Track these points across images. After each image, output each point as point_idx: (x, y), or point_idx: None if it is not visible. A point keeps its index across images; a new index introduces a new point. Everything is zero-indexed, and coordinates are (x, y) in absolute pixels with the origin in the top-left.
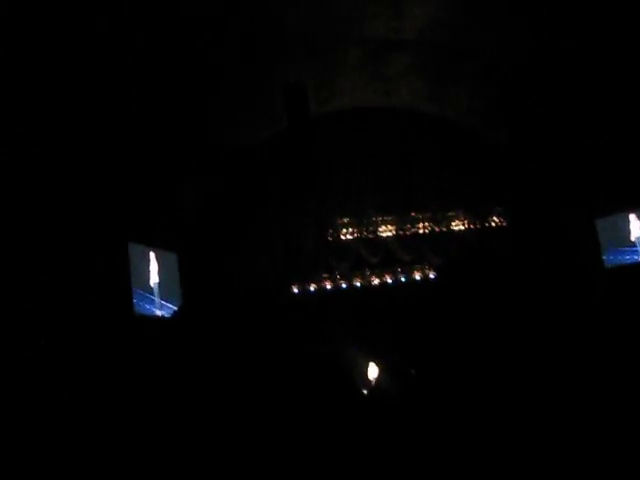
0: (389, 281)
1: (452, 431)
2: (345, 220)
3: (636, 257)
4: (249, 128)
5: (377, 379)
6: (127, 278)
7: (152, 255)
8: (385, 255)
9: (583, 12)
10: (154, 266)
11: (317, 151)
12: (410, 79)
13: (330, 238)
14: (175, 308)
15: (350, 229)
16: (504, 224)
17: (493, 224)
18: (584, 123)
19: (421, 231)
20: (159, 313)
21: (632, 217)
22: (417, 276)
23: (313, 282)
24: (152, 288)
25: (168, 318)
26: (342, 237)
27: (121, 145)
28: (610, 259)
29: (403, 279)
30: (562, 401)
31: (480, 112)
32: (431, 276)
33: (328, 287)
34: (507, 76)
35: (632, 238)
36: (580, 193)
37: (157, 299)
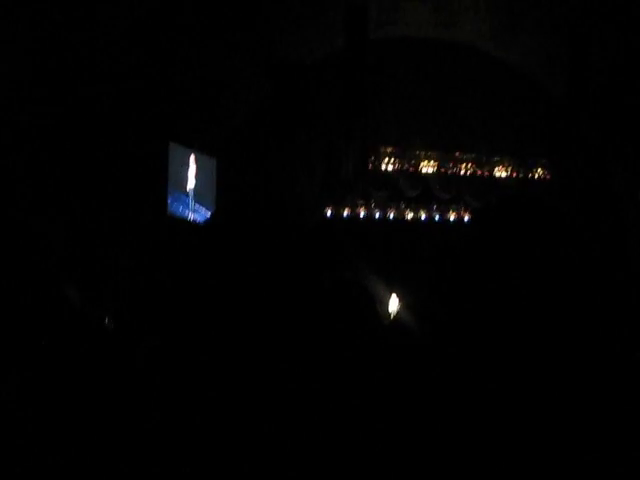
0: (423, 217)
1: (466, 384)
2: (388, 150)
3: None
4: (306, 44)
5: (397, 312)
6: (164, 178)
7: (192, 158)
8: (423, 191)
9: None
10: (192, 169)
11: (370, 76)
12: (475, 16)
13: (371, 166)
14: (208, 213)
15: (392, 159)
16: (548, 177)
17: (537, 176)
18: None
19: (463, 172)
20: (191, 216)
21: None
22: (452, 217)
23: (348, 207)
24: (188, 191)
25: (199, 224)
26: (383, 167)
27: (174, 41)
28: None
29: (437, 217)
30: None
31: (542, 61)
32: (466, 218)
33: (362, 214)
34: (576, 29)
35: None
36: (631, 157)
37: (192, 202)
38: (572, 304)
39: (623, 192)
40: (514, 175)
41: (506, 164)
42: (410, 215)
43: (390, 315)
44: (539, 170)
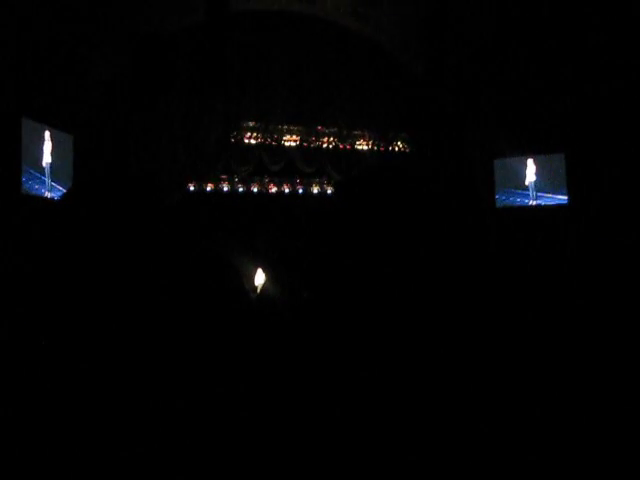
0: (286, 191)
1: (339, 354)
2: (250, 124)
3: (526, 200)
4: (166, 16)
5: (263, 285)
6: (17, 155)
7: (47, 134)
8: (286, 164)
9: None
10: (48, 146)
11: (231, 50)
12: None
13: (233, 140)
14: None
15: (254, 134)
16: (407, 150)
17: (397, 149)
18: (499, 64)
19: (325, 145)
20: (48, 195)
21: (529, 162)
22: (315, 190)
23: (210, 182)
24: (44, 168)
25: (54, 200)
26: (245, 141)
27: (29, 14)
28: (502, 199)
29: (301, 191)
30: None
31: (400, 36)
32: (329, 191)
33: (225, 189)
34: (433, 6)
35: (526, 182)
36: (484, 132)
37: (48, 180)
38: (431, 269)
39: (477, 162)
40: (375, 148)
41: (367, 138)
42: (274, 189)
43: (257, 289)
44: (399, 143)
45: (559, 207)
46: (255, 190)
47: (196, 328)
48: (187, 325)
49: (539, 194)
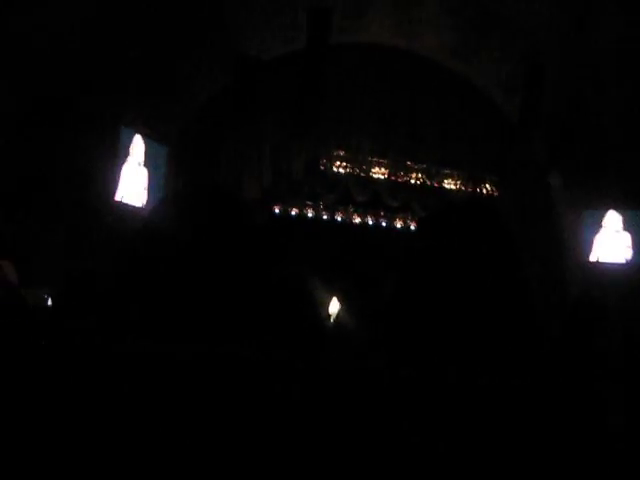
0: (370, 222)
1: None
2: (341, 153)
3: None
4: (266, 41)
5: (338, 314)
6: (114, 163)
7: (142, 144)
8: (372, 196)
9: None
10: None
11: (327, 79)
12: (439, 29)
13: (322, 167)
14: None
15: (344, 163)
16: (495, 194)
17: (485, 191)
18: (595, 115)
19: (413, 181)
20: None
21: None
22: (399, 224)
23: (296, 207)
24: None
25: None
26: (334, 169)
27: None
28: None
29: (384, 224)
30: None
31: (498, 81)
32: (412, 227)
33: (310, 215)
34: (533, 49)
35: None
36: (575, 184)
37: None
38: (509, 308)
39: (566, 214)
40: (462, 188)
41: (456, 177)
42: (357, 219)
43: (330, 317)
44: (487, 186)
45: None
46: (339, 219)
47: (270, 351)
48: (261, 347)
49: None
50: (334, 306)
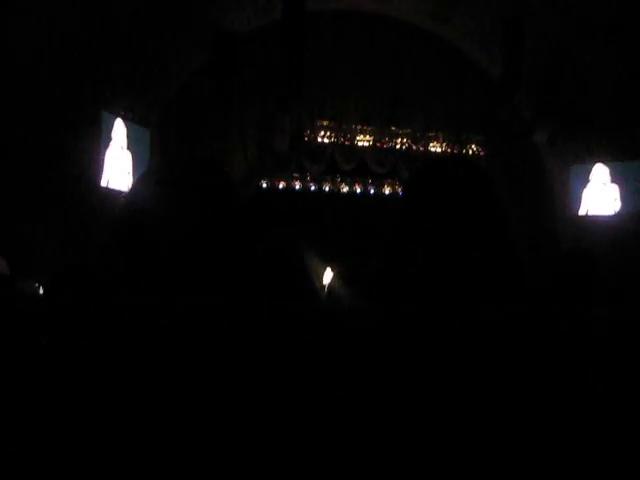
0: (358, 191)
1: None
2: (324, 123)
3: None
4: (242, 14)
5: (331, 283)
6: (97, 146)
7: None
8: (359, 164)
9: None
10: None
11: (306, 49)
12: None
13: (306, 139)
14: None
15: (328, 133)
16: (481, 154)
17: (470, 152)
18: (581, 71)
19: (398, 146)
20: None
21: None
22: (387, 190)
23: (282, 180)
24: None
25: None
26: (318, 140)
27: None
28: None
29: (372, 191)
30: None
31: (478, 40)
32: (400, 192)
33: (297, 187)
34: (512, 9)
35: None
36: (561, 139)
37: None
38: (500, 265)
39: (553, 171)
40: (448, 150)
41: (441, 139)
42: (345, 188)
43: (324, 287)
44: (473, 146)
45: None
46: (327, 189)
47: (263, 325)
48: (254, 322)
49: None
50: (328, 276)
